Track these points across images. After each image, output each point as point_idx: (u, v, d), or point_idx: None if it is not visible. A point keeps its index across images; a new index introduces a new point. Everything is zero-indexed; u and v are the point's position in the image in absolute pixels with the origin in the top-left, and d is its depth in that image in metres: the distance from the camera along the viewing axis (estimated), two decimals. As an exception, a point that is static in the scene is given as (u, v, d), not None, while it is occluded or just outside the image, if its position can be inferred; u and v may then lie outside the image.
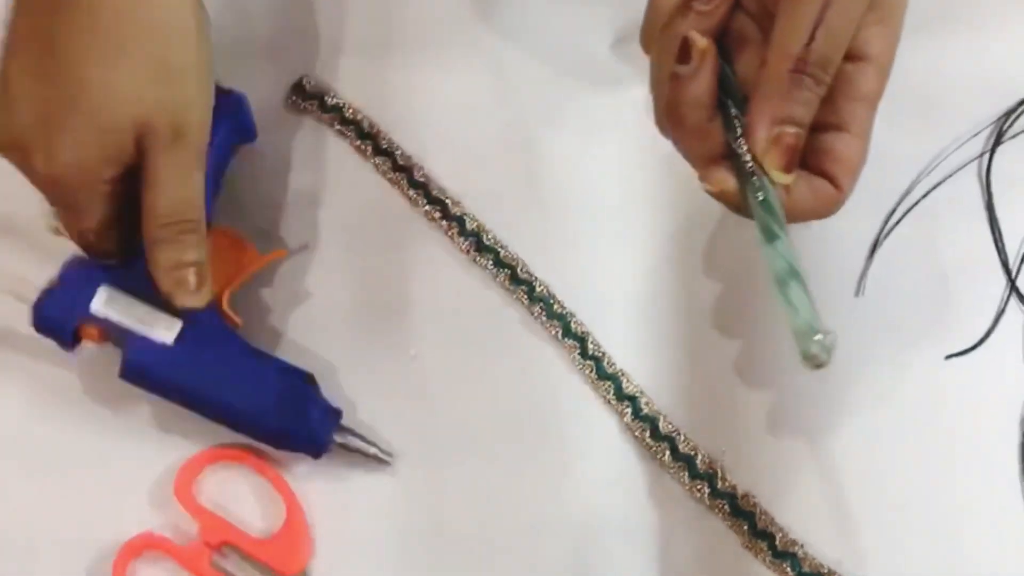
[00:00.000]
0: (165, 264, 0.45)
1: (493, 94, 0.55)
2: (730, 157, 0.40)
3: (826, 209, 0.40)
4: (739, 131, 0.39)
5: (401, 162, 0.54)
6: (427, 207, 0.53)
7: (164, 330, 0.47)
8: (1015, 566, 0.47)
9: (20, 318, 0.47)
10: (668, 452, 0.48)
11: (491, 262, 0.52)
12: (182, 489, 0.48)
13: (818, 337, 0.36)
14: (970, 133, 0.53)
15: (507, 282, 0.51)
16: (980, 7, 0.55)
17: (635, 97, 0.54)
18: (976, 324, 0.50)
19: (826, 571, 0.46)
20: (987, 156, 0.53)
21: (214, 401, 0.47)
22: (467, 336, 0.51)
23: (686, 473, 0.48)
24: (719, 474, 0.48)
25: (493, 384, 0.50)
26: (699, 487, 0.48)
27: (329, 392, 0.49)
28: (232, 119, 0.51)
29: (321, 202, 0.53)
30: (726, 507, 0.48)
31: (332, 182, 0.54)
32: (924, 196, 0.52)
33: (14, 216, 0.52)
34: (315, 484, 0.49)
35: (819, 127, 0.39)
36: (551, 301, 0.51)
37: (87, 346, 0.48)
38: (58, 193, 0.45)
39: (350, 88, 0.55)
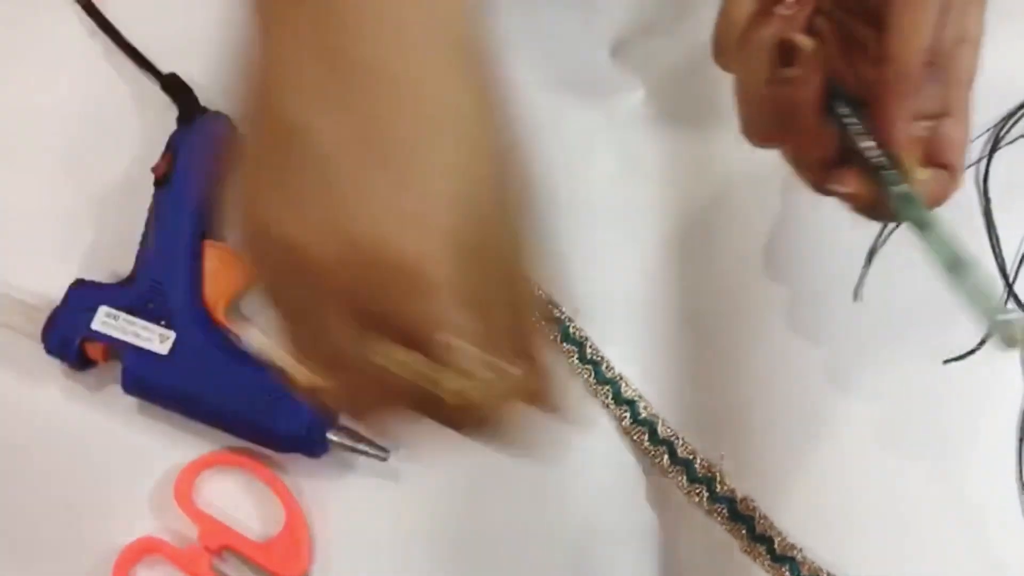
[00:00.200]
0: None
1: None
2: (849, 157, 0.38)
3: (944, 197, 0.39)
4: (859, 130, 0.38)
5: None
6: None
7: (159, 342, 0.48)
8: (1013, 569, 0.47)
9: (25, 338, 0.49)
10: (666, 456, 0.48)
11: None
12: (182, 493, 0.48)
13: (1014, 316, 0.35)
14: (967, 139, 0.53)
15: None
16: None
17: (633, 103, 0.54)
18: (973, 329, 0.50)
19: (825, 575, 0.47)
20: (984, 162, 0.53)
21: (210, 406, 0.48)
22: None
23: (684, 477, 0.48)
24: (718, 478, 0.48)
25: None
26: (698, 491, 0.48)
27: (328, 395, 0.49)
28: (223, 144, 0.51)
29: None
30: (725, 511, 0.48)
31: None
32: (921, 201, 0.52)
33: (23, 243, 0.53)
34: (315, 487, 0.49)
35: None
36: (549, 305, 0.51)
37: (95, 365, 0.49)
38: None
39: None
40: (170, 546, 0.48)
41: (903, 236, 0.52)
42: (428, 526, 0.48)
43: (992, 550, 0.47)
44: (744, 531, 0.47)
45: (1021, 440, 0.49)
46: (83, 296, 0.49)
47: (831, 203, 0.53)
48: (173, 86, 0.54)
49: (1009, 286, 0.51)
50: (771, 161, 0.53)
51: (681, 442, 0.49)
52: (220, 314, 0.49)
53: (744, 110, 0.40)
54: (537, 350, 0.33)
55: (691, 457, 0.48)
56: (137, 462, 0.49)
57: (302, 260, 0.30)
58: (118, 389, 0.48)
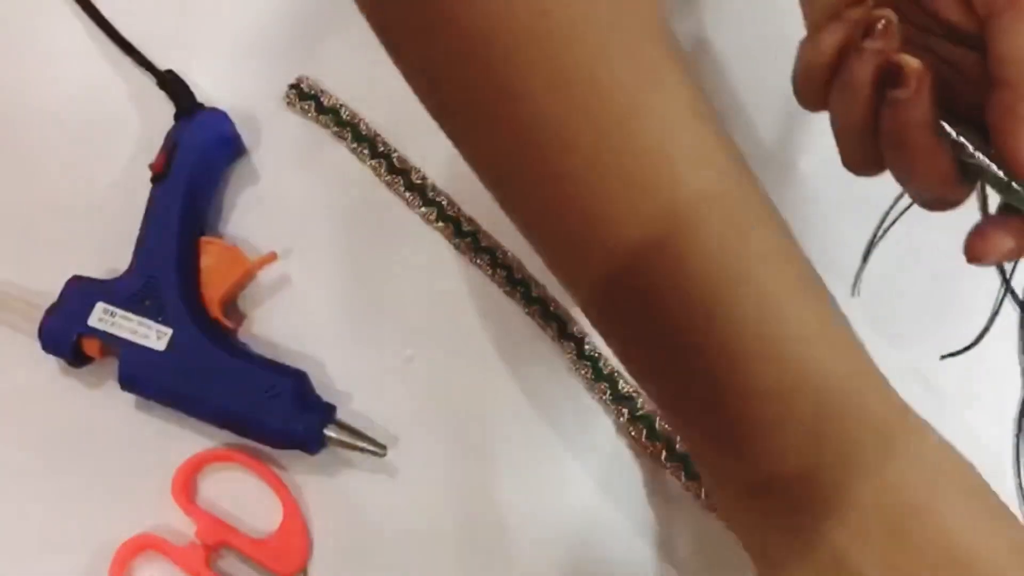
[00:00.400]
0: None
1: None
2: (966, 176, 0.38)
3: None
4: (971, 147, 0.37)
5: (398, 164, 0.54)
6: (423, 209, 0.53)
7: (156, 339, 0.48)
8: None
9: (21, 334, 0.49)
10: (664, 451, 0.48)
11: (488, 263, 0.52)
12: (179, 490, 0.48)
13: None
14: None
15: (504, 283, 0.52)
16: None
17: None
18: (971, 324, 0.50)
19: None
20: (982, 157, 0.53)
21: (208, 403, 0.48)
22: (463, 337, 0.51)
23: (683, 472, 0.48)
24: None
25: (490, 384, 0.50)
26: (696, 486, 0.48)
27: (324, 389, 0.49)
28: (218, 137, 0.52)
29: (317, 204, 0.53)
30: None
31: (328, 184, 0.54)
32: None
33: (20, 239, 0.53)
34: (312, 483, 0.49)
35: None
36: (547, 302, 0.51)
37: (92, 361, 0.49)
38: None
39: (347, 90, 0.55)
40: (167, 543, 0.47)
41: (901, 231, 0.52)
42: (425, 522, 0.48)
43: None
44: None
45: (1018, 436, 0.49)
46: (80, 292, 0.49)
47: (827, 198, 0.53)
48: (170, 83, 0.54)
49: (1006, 281, 0.51)
50: (768, 157, 0.54)
51: (679, 437, 0.49)
52: (217, 310, 0.50)
53: (846, 144, 0.39)
54: None
55: (689, 452, 0.48)
56: (134, 459, 0.49)
57: None
58: (115, 386, 0.48)
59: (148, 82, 0.54)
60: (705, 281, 0.34)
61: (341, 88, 0.55)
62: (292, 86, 0.55)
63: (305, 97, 0.55)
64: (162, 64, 0.54)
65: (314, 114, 0.54)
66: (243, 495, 0.49)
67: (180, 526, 0.48)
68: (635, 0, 0.35)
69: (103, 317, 0.49)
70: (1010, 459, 0.49)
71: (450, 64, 0.36)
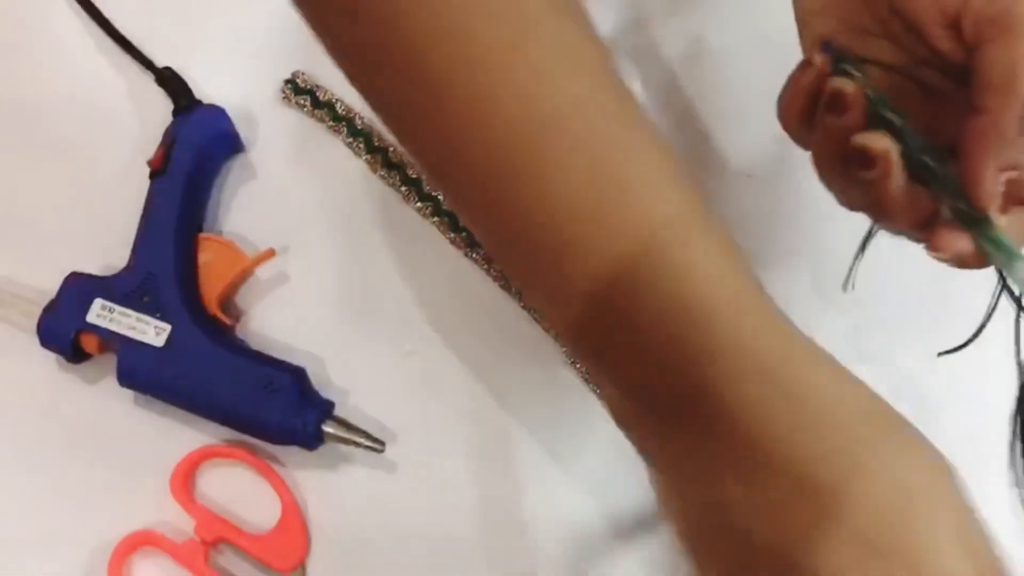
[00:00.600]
0: None
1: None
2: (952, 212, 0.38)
3: None
4: (945, 183, 0.37)
5: (393, 159, 0.54)
6: (419, 203, 0.53)
7: (155, 335, 0.48)
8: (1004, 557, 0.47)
9: (19, 331, 0.50)
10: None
11: (483, 257, 0.52)
12: (178, 486, 0.48)
13: None
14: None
15: (499, 278, 0.52)
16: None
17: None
18: (968, 321, 0.50)
19: None
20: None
21: (206, 399, 0.48)
22: (460, 331, 0.51)
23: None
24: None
25: (487, 379, 0.50)
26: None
27: (322, 386, 0.49)
28: (216, 134, 0.52)
29: (312, 199, 0.53)
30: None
31: (326, 180, 0.54)
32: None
33: (19, 236, 0.53)
34: (311, 479, 0.49)
35: None
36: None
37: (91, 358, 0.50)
38: None
39: (343, 85, 0.55)
40: (166, 539, 0.48)
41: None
42: (424, 518, 0.48)
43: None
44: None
45: (1014, 432, 0.49)
46: (78, 289, 0.49)
47: (823, 193, 0.53)
48: (168, 79, 0.54)
49: (1003, 277, 0.51)
50: (765, 154, 0.54)
51: None
52: (215, 307, 0.50)
53: (826, 179, 0.40)
54: None
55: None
56: (133, 455, 0.49)
57: None
58: (113, 382, 0.49)
59: (146, 79, 0.54)
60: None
61: (337, 83, 0.55)
62: (288, 81, 0.55)
63: (301, 92, 0.55)
64: (160, 61, 0.54)
65: (310, 109, 0.54)
66: (242, 491, 0.49)
67: (179, 522, 0.48)
68: None
69: (101, 313, 0.49)
70: (1006, 456, 0.49)
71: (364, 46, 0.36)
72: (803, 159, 0.53)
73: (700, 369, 0.32)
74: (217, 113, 0.53)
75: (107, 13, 0.56)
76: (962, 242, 0.37)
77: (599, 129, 0.34)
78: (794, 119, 0.39)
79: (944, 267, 0.51)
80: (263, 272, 0.52)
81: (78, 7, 0.56)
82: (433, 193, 0.53)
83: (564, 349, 0.50)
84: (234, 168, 0.54)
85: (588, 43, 0.35)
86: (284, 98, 0.55)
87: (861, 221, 0.52)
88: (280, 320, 0.52)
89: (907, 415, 0.49)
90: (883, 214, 0.38)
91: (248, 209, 0.53)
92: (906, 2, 0.38)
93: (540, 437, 0.50)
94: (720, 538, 0.32)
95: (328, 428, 0.48)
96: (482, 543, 0.48)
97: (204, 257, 0.51)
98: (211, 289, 0.50)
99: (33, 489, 0.49)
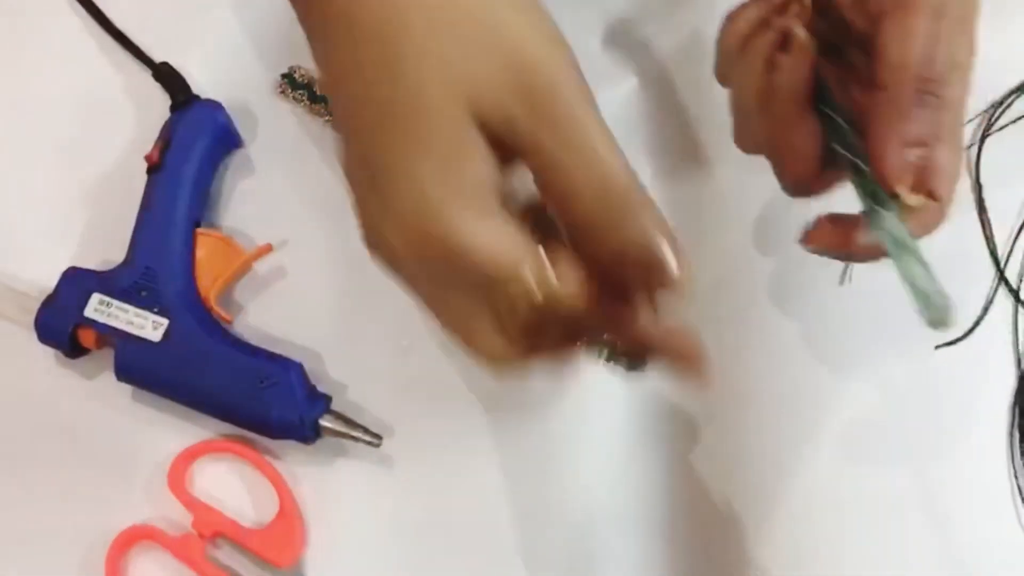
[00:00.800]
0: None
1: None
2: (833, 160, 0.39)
3: (932, 226, 0.39)
4: (855, 162, 0.38)
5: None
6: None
7: (152, 329, 0.48)
8: (1002, 548, 0.47)
9: (17, 326, 0.50)
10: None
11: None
12: (175, 481, 0.48)
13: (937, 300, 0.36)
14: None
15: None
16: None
17: (625, 92, 0.54)
18: (965, 314, 0.50)
19: None
20: (976, 148, 0.53)
21: (204, 393, 0.48)
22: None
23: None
24: None
25: (485, 373, 0.50)
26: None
27: (320, 380, 0.49)
28: (213, 129, 0.52)
29: (312, 195, 0.53)
30: None
31: (323, 174, 0.54)
32: (913, 186, 0.52)
33: (16, 231, 0.53)
34: (308, 474, 0.49)
35: None
36: None
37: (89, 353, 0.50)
38: None
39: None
40: (164, 533, 0.48)
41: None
42: (422, 512, 0.48)
43: (982, 531, 0.47)
44: None
45: (1013, 425, 0.49)
46: (76, 283, 0.49)
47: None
48: (165, 75, 0.54)
49: (1000, 270, 0.51)
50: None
51: None
52: (213, 301, 0.50)
53: (738, 119, 0.41)
54: None
55: None
56: (130, 449, 0.49)
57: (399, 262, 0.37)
58: (111, 377, 0.49)
59: (144, 74, 0.54)
60: None
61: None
62: (284, 75, 0.55)
63: (297, 86, 0.55)
64: (158, 56, 0.54)
65: (307, 103, 0.54)
66: (239, 485, 0.49)
67: (176, 516, 0.48)
68: None
69: (99, 308, 0.49)
70: (1004, 449, 0.49)
71: None
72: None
73: None
74: (214, 108, 0.53)
75: (104, 8, 0.56)
76: (835, 235, 0.39)
77: None
78: (735, 43, 0.40)
79: (941, 260, 0.51)
80: (261, 267, 0.52)
81: (76, 3, 0.56)
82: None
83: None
84: (232, 163, 0.54)
85: None
86: (281, 92, 0.55)
87: (857, 209, 0.52)
88: (278, 315, 0.51)
89: (906, 409, 0.49)
90: (777, 126, 0.39)
91: (246, 203, 0.53)
92: None
93: (538, 431, 0.50)
94: (358, 103, 0.36)
95: (326, 422, 0.48)
96: (479, 537, 0.48)
97: (202, 252, 0.51)
98: (209, 284, 0.50)
99: (30, 483, 0.49)
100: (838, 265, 0.51)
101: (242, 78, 0.54)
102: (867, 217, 0.38)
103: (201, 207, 0.52)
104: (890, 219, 0.37)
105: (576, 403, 0.50)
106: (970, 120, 0.53)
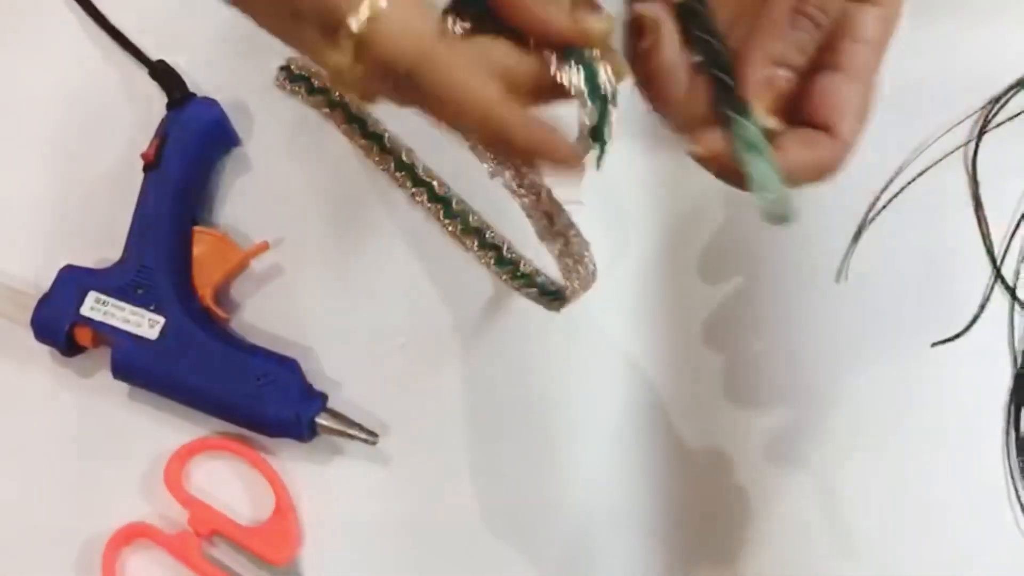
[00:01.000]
0: None
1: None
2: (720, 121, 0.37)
3: (827, 163, 0.36)
4: (722, 78, 0.37)
5: (388, 145, 0.53)
6: (413, 189, 0.53)
7: (148, 327, 0.48)
8: (997, 546, 0.47)
9: (14, 324, 0.50)
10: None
11: (476, 243, 0.52)
12: (171, 478, 0.48)
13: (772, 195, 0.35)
14: (956, 121, 0.53)
15: (493, 263, 0.51)
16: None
17: (625, 89, 0.54)
18: (962, 311, 0.50)
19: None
20: (973, 144, 0.53)
21: (200, 391, 0.48)
22: (455, 319, 0.51)
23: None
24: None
25: (484, 368, 0.50)
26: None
27: (316, 378, 0.49)
28: (209, 126, 0.53)
29: (309, 193, 0.53)
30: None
31: (319, 174, 0.54)
32: (910, 183, 0.52)
33: (12, 229, 0.53)
34: (304, 471, 0.49)
35: (816, 69, 0.37)
36: (539, 281, 0.51)
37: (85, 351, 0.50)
38: None
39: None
40: (160, 531, 0.48)
41: (890, 216, 0.52)
42: (417, 510, 0.48)
43: (976, 527, 0.47)
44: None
45: (1008, 422, 0.49)
46: (72, 282, 0.49)
47: (822, 186, 0.53)
48: (162, 73, 0.54)
49: (996, 268, 0.51)
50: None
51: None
52: (209, 299, 0.50)
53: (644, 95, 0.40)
54: None
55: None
56: (127, 447, 0.49)
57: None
58: (107, 374, 0.49)
59: (140, 72, 0.54)
60: None
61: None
62: (282, 68, 0.55)
63: (295, 79, 0.54)
64: (154, 54, 0.54)
65: (304, 96, 0.54)
66: (235, 483, 0.49)
67: (172, 514, 0.48)
68: None
69: (95, 306, 0.49)
70: (1000, 445, 0.49)
71: None
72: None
73: None
74: (211, 106, 0.53)
75: (101, 6, 0.56)
76: (718, 140, 0.36)
77: None
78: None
79: (938, 258, 0.51)
80: (258, 265, 0.52)
81: (72, 1, 0.56)
82: (427, 179, 0.53)
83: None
84: (228, 160, 0.54)
85: None
86: (279, 85, 0.55)
87: (855, 212, 0.52)
88: (274, 313, 0.51)
89: (903, 406, 0.49)
90: (655, 98, 0.38)
91: (242, 201, 0.53)
92: None
93: (534, 429, 0.50)
94: None
95: (321, 420, 0.48)
96: (475, 534, 0.48)
97: (198, 250, 0.51)
98: (205, 282, 0.50)
99: (27, 481, 0.49)
100: (835, 262, 0.51)
101: (239, 76, 0.54)
102: (727, 127, 0.36)
103: (197, 205, 0.52)
104: (743, 124, 0.36)
105: (575, 403, 0.50)
106: (968, 117, 0.53)
